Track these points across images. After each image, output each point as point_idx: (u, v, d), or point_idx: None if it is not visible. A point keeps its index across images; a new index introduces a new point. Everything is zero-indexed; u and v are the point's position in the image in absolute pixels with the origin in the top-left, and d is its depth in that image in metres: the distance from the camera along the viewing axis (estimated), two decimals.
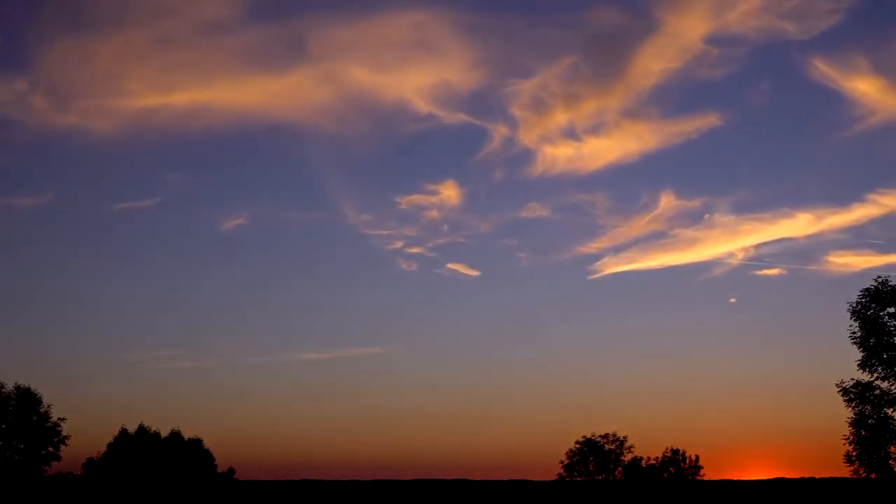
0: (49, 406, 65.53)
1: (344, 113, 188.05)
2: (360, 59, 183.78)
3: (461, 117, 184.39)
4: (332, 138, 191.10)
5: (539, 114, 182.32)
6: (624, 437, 76.51)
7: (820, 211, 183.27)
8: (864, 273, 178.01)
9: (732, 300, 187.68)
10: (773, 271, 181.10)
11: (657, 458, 78.16)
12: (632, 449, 76.60)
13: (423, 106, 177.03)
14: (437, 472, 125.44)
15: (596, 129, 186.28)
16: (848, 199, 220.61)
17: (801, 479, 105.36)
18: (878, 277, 41.79)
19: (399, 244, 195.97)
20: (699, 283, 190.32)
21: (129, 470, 76.78)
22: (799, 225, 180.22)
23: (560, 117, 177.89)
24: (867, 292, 41.66)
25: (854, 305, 41.86)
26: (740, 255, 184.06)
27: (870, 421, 40.89)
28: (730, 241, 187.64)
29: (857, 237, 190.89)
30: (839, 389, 41.79)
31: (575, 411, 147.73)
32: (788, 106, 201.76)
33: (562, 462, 76.66)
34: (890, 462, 40.80)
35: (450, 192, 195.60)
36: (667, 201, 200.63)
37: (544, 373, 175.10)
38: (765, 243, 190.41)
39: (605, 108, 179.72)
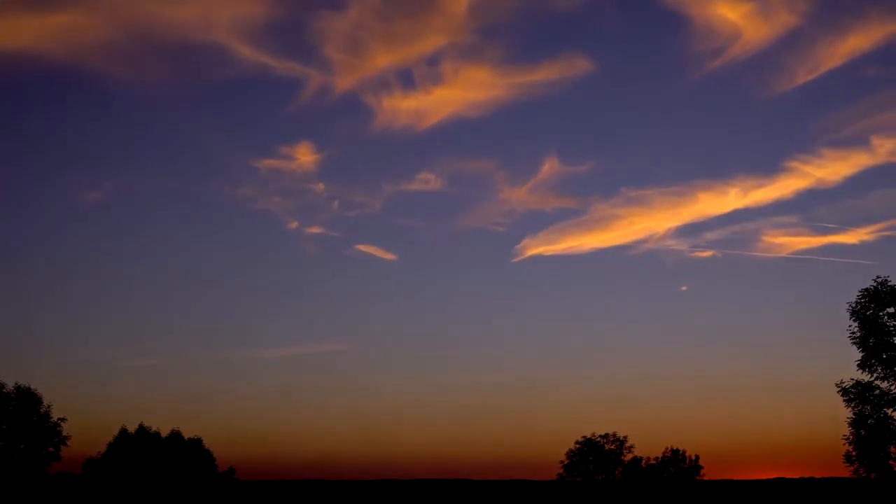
0: (49, 406, 65.67)
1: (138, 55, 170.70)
2: None
3: (291, 66, 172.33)
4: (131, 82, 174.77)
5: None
6: (624, 437, 76.64)
7: (745, 183, 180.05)
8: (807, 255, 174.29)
9: (683, 288, 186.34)
10: (707, 253, 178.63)
11: (657, 458, 78.24)
12: (632, 449, 76.74)
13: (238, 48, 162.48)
14: (437, 472, 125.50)
15: (437, 77, 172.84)
16: (768, 167, 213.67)
17: (801, 479, 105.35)
18: (878, 277, 41.88)
19: (294, 224, 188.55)
20: (633, 268, 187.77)
21: (129, 469, 76.85)
22: (728, 201, 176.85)
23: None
24: (867, 292, 41.69)
25: (853, 305, 41.90)
26: (674, 236, 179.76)
27: (869, 421, 40.89)
28: (657, 219, 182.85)
29: (787, 211, 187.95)
30: (839, 389, 41.82)
31: (573, 411, 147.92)
32: (656, 47, 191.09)
33: (562, 462, 76.78)
34: (890, 462, 40.81)
35: (306, 158, 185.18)
36: (551, 167, 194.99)
37: (539, 371, 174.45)
38: (697, 223, 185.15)
39: (440, 48, 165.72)
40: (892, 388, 40.98)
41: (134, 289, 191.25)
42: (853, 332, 41.82)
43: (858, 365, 41.76)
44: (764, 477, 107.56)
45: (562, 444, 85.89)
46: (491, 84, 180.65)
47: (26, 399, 65.03)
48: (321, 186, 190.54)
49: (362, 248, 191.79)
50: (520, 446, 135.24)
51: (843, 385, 41.75)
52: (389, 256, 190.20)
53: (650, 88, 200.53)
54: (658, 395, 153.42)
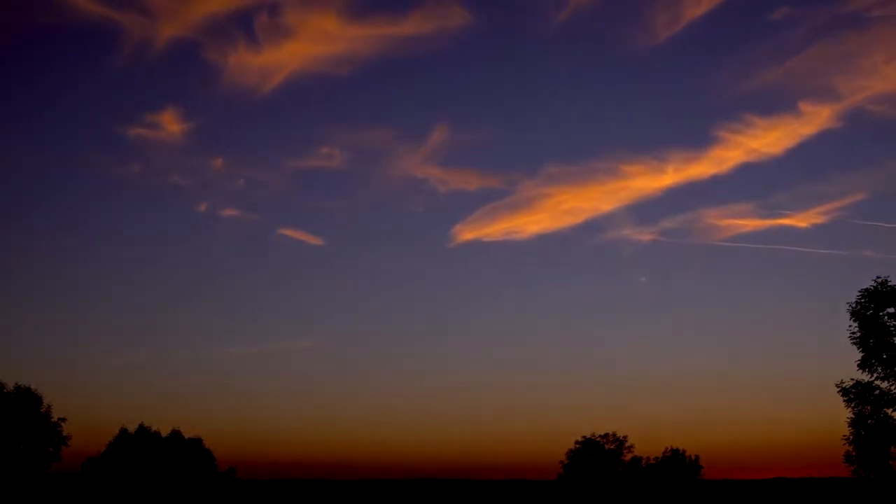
0: (49, 406, 65.61)
1: None
2: None
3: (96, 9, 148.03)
4: None
5: None
6: (624, 437, 76.64)
7: (676, 156, 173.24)
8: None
9: (643, 279, 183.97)
10: (650, 236, 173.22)
11: (657, 457, 78.21)
12: (632, 449, 76.72)
13: None
14: (437, 471, 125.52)
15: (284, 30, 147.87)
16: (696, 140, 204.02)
17: (801, 479, 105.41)
18: (878, 278, 41.86)
19: (203, 205, 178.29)
20: (590, 256, 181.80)
21: (129, 469, 76.84)
22: (663, 178, 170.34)
23: None
24: (866, 292, 41.68)
25: (853, 306, 41.88)
26: (624, 218, 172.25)
27: (869, 421, 40.88)
28: (595, 199, 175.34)
29: (726, 190, 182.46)
30: (839, 389, 41.81)
31: (569, 412, 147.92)
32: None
33: (562, 462, 76.77)
34: (890, 462, 40.79)
35: (173, 127, 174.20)
36: (441, 134, 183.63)
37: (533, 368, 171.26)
38: (641, 204, 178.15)
39: None
40: (892, 388, 40.95)
41: (126, 288, 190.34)
42: (853, 333, 41.81)
43: (858, 365, 41.76)
44: (764, 477, 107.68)
45: (562, 445, 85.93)
46: (350, 37, 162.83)
47: (26, 399, 64.95)
48: (220, 162, 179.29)
49: (285, 231, 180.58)
50: (520, 447, 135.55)
51: (843, 385, 41.77)
52: (315, 241, 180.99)
53: (529, 42, 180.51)
54: (657, 395, 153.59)
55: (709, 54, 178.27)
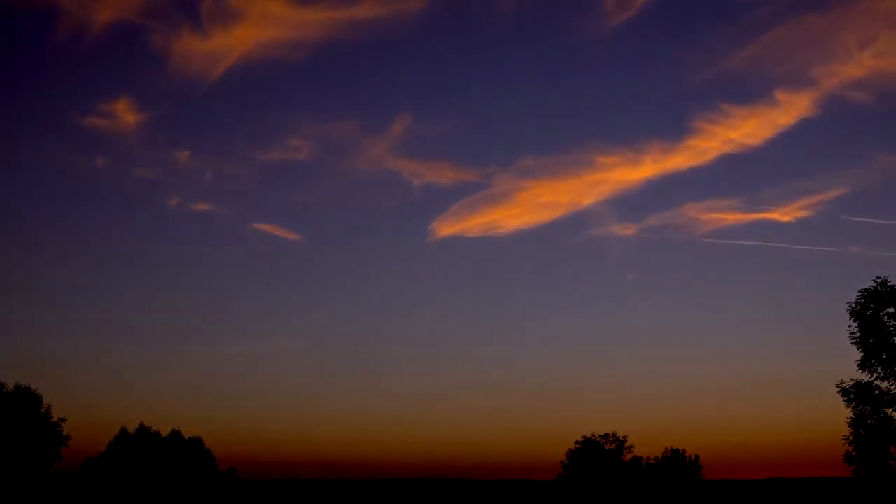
0: (49, 406, 65.60)
1: None
2: None
3: None
4: None
5: None
6: (624, 437, 76.62)
7: (652, 147, 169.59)
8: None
9: (629, 276, 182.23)
10: (633, 231, 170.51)
11: (657, 457, 78.21)
12: (632, 449, 76.71)
13: None
14: (437, 471, 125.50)
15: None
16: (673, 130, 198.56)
17: (801, 479, 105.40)
18: (878, 278, 41.84)
19: (174, 200, 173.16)
20: (575, 252, 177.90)
21: (129, 469, 76.83)
22: (642, 170, 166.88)
23: None
24: (866, 292, 41.68)
25: (853, 306, 41.87)
26: (607, 213, 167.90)
27: (869, 421, 40.87)
28: (567, 192, 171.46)
29: (708, 183, 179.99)
30: (839, 390, 41.81)
31: (567, 411, 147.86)
32: None
33: (562, 462, 76.76)
34: (890, 462, 40.79)
35: (129, 117, 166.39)
36: (403, 123, 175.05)
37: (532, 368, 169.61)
38: (620, 198, 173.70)
39: None
40: (892, 388, 40.95)
41: (126, 288, 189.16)
42: (853, 333, 41.81)
43: (858, 365, 41.75)
44: (764, 477, 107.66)
45: (562, 445, 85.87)
46: (299, 21, 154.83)
47: (26, 399, 64.96)
48: (186, 155, 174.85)
49: (261, 226, 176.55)
50: (520, 446, 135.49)
51: (843, 385, 41.77)
52: (293, 236, 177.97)
53: (485, 28, 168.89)
54: (657, 394, 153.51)
55: (670, 37, 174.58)
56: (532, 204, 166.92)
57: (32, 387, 65.66)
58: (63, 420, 66.03)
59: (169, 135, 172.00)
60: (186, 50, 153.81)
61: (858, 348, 41.74)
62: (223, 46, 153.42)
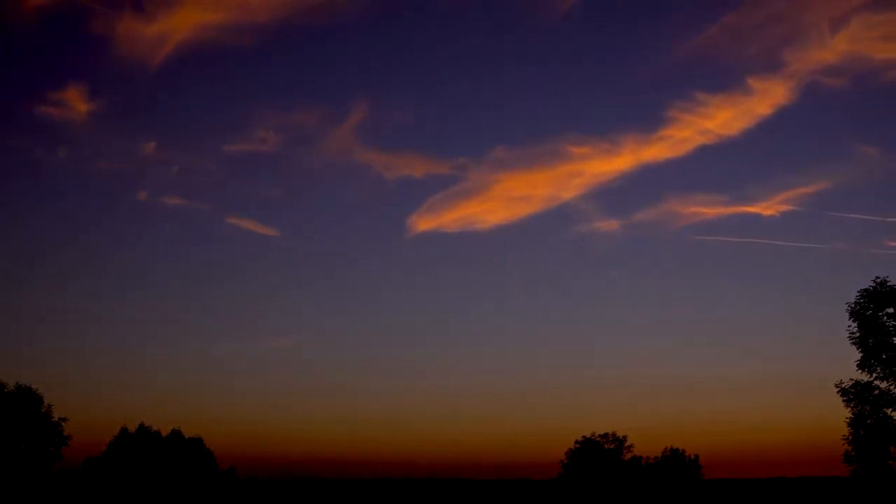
0: (49, 406, 65.60)
1: None
2: None
3: None
4: None
5: None
6: (624, 437, 76.68)
7: (625, 137, 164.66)
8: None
9: (613, 273, 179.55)
10: (612, 225, 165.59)
11: (657, 457, 78.25)
12: (632, 449, 76.77)
13: None
14: (437, 471, 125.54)
15: None
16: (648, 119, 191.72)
17: (801, 479, 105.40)
18: (877, 278, 41.92)
19: (143, 194, 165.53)
20: (560, 248, 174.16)
21: (129, 468, 76.90)
22: (618, 161, 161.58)
23: None
24: (865, 292, 41.74)
25: (853, 306, 41.93)
26: (590, 206, 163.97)
27: (868, 421, 40.93)
28: (543, 184, 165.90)
29: (686, 175, 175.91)
30: (838, 389, 41.87)
31: (566, 411, 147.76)
32: None
33: (562, 462, 76.81)
34: (889, 462, 40.85)
35: (81, 106, 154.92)
36: (361, 113, 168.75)
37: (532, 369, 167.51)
38: (597, 191, 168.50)
39: None
40: (892, 388, 41.01)
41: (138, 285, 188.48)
42: (852, 333, 41.87)
43: (858, 365, 41.81)
44: (764, 477, 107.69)
45: (562, 445, 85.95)
46: (243, 2, 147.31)
47: (27, 399, 64.96)
48: (152, 146, 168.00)
49: (236, 222, 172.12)
50: (520, 446, 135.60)
51: (843, 385, 41.83)
52: (270, 232, 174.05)
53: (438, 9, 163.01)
54: (657, 394, 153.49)
55: (636, 20, 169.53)
56: (507, 198, 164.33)
57: (33, 386, 65.78)
58: (64, 420, 66.09)
59: (127, 124, 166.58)
60: (129, 35, 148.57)
61: (858, 348, 41.81)
62: (167, 30, 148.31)
